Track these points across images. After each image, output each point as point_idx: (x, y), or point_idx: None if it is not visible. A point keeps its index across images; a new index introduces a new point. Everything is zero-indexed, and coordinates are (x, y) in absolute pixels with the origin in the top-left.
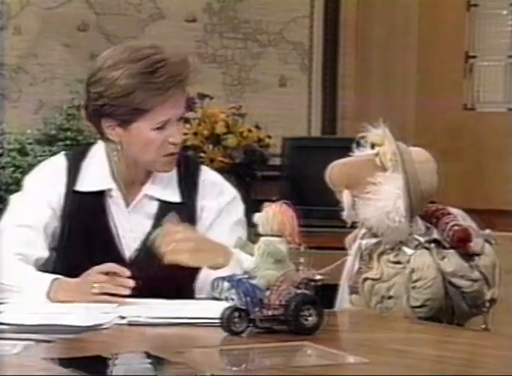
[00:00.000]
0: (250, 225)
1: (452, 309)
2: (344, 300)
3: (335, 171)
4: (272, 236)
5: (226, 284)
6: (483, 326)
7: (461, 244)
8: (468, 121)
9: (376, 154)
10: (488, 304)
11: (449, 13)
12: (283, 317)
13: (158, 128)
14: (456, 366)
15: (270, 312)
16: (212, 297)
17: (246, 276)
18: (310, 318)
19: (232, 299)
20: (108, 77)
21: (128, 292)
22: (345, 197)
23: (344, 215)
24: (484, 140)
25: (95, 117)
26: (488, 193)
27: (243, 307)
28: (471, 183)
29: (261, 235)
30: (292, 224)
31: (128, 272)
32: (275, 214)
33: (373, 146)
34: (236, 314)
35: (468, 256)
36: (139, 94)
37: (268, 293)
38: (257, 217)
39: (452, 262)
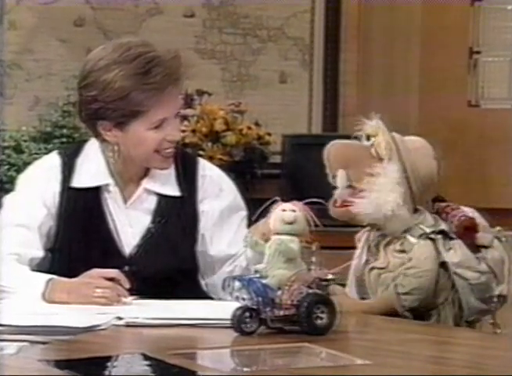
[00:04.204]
0: (253, 223)
1: (459, 304)
2: (352, 293)
3: (333, 149)
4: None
5: (237, 284)
6: (491, 321)
7: (467, 232)
8: (472, 118)
9: (372, 145)
10: (496, 299)
11: (453, 8)
12: (294, 317)
13: (155, 127)
14: (459, 368)
15: (282, 312)
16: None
17: (257, 275)
18: (322, 318)
19: (243, 299)
20: (101, 80)
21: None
22: (340, 176)
23: (337, 193)
24: (488, 137)
25: (91, 121)
26: (492, 191)
27: (255, 307)
28: (475, 181)
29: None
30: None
31: (128, 285)
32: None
33: (368, 138)
34: (247, 314)
35: (475, 248)
36: (136, 95)
37: (279, 292)
38: (268, 216)
39: (458, 252)
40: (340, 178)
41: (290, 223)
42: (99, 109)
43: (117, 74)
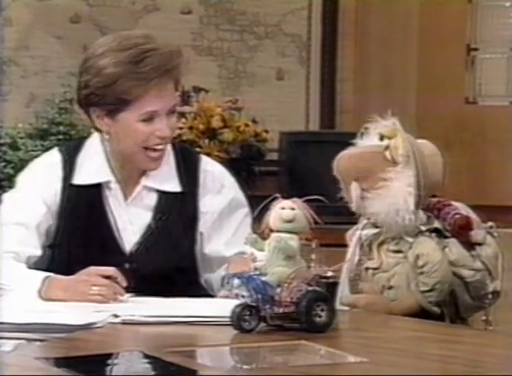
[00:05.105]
0: (254, 220)
1: (455, 303)
2: (344, 294)
3: (343, 162)
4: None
5: (236, 281)
6: (483, 317)
7: (462, 231)
8: (470, 115)
9: (386, 147)
10: (490, 296)
11: (451, 5)
12: (294, 315)
13: (145, 120)
14: (456, 366)
15: (281, 310)
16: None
17: (257, 272)
18: (321, 316)
19: (243, 296)
20: (96, 66)
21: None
22: (353, 190)
23: (354, 207)
24: (486, 134)
25: (85, 107)
26: (491, 188)
27: (254, 304)
28: (473, 178)
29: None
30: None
31: (125, 283)
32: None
33: (381, 138)
34: (247, 311)
35: (469, 245)
36: (123, 83)
37: (279, 290)
38: (268, 213)
39: (453, 251)
40: (354, 192)
41: (289, 221)
42: (88, 95)
43: (110, 61)
